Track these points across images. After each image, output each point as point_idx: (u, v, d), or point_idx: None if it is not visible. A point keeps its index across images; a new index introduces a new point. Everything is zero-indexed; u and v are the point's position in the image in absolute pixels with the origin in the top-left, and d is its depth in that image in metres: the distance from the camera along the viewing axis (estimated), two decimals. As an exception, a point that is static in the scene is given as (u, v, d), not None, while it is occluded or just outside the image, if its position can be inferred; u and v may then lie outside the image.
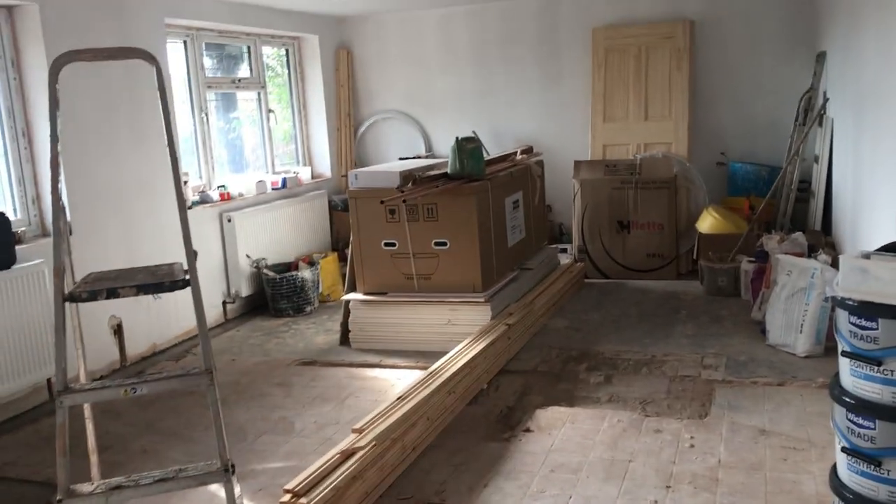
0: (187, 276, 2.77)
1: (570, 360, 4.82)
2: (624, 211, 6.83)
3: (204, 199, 6.26)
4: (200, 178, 6.50)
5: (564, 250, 7.30)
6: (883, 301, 2.03)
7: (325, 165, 8.04)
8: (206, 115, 6.52)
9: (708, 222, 6.39)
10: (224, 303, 6.37)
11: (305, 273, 6.38)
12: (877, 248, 2.31)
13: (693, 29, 7.19)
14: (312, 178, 7.82)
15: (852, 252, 2.34)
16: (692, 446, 3.55)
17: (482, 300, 5.17)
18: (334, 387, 4.69)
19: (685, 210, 6.90)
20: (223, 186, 6.52)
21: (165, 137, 2.79)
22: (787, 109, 6.82)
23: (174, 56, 6.24)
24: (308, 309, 6.40)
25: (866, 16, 4.40)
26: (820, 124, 6.21)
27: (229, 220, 6.29)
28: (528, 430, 3.85)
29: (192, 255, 2.81)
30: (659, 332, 5.27)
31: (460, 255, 5.22)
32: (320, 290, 6.58)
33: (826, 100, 6.07)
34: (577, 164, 7.10)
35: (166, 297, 4.55)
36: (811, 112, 6.40)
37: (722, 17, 7.15)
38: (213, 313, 6.20)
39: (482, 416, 4.08)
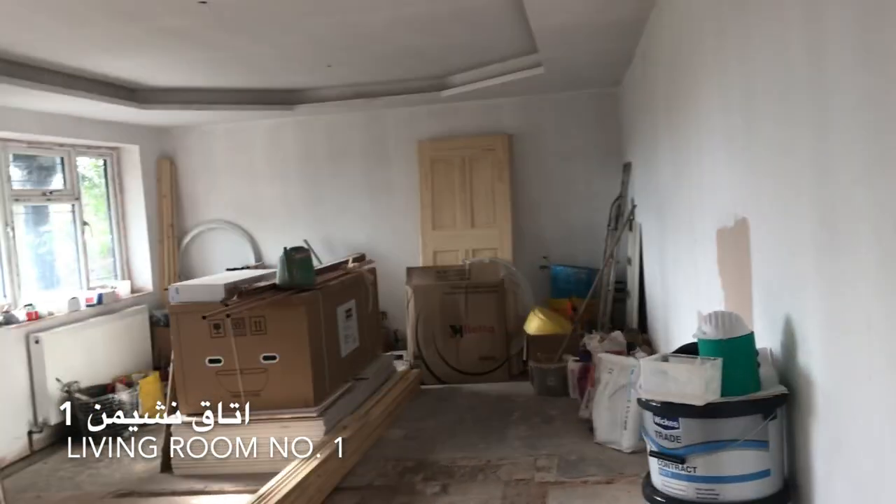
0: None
1: (407, 472, 4.72)
2: (456, 315, 6.94)
3: (8, 320, 5.78)
4: (5, 296, 6.01)
5: (400, 357, 7.28)
6: (681, 401, 2.15)
7: (145, 279, 7.67)
8: (13, 228, 6.09)
9: (535, 324, 6.61)
10: (30, 433, 5.81)
11: (123, 395, 5.96)
12: (674, 350, 2.46)
13: (511, 142, 7.64)
14: (132, 292, 7.42)
15: (653, 355, 2.48)
16: (526, 554, 3.53)
17: (314, 415, 5.00)
18: (153, 520, 4.33)
19: (513, 312, 7.12)
20: (31, 305, 6.04)
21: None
22: (601, 215, 7.31)
23: (-24, 167, 5.85)
24: (126, 434, 5.94)
25: (661, 134, 4.85)
26: (630, 229, 6.68)
27: (37, 342, 5.82)
28: (361, 552, 3.70)
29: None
30: (493, 435, 5.30)
31: (291, 368, 5.06)
32: (140, 412, 6.14)
33: (634, 206, 6.57)
34: (410, 270, 7.20)
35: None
36: (622, 217, 6.89)
37: (537, 131, 7.65)
38: (16, 445, 5.65)
39: (314, 540, 3.88)
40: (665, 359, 2.28)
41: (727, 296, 3.04)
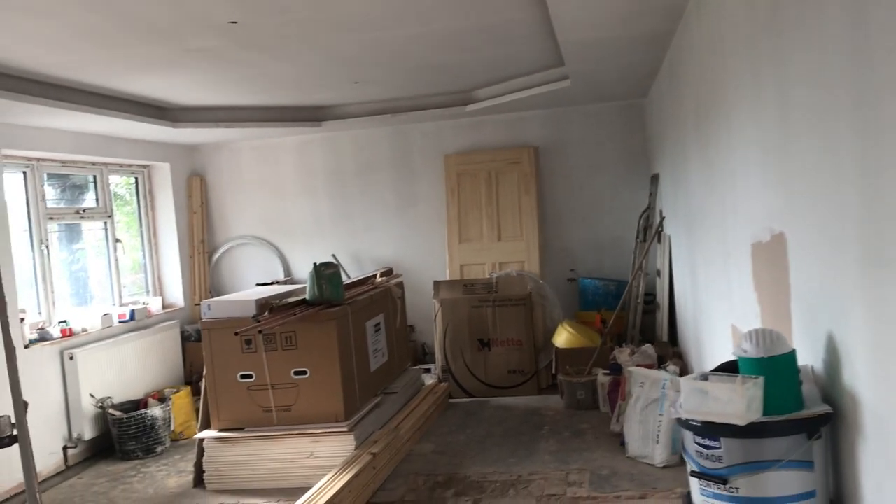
0: (15, 433, 2.53)
1: (437, 487, 4.71)
2: (484, 329, 6.94)
3: (43, 337, 5.86)
4: (40, 313, 6.09)
5: (428, 370, 7.28)
6: (723, 420, 2.13)
7: (176, 294, 7.75)
8: (47, 247, 6.18)
9: (563, 337, 6.58)
10: (65, 448, 5.88)
11: (155, 410, 6.01)
12: (713, 368, 2.44)
13: (537, 154, 7.63)
14: (163, 308, 7.50)
15: (692, 373, 2.46)
16: (561, 571, 3.51)
17: (345, 429, 5.02)
18: (187, 536, 4.35)
19: (541, 325, 7.10)
20: (65, 322, 6.12)
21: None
22: (629, 226, 7.29)
23: (12, 186, 5.94)
24: (159, 449, 5.99)
25: (690, 145, 4.82)
26: (659, 241, 6.63)
27: (71, 358, 5.89)
28: (395, 569, 3.69)
29: (21, 406, 2.58)
30: (523, 450, 5.27)
31: (321, 383, 5.09)
32: (172, 427, 6.19)
33: (662, 218, 6.53)
34: (437, 284, 7.20)
35: (-6, 449, 4.13)
36: (650, 229, 6.85)
37: (563, 144, 7.64)
38: (52, 460, 5.70)
39: (348, 557, 3.88)
40: (705, 377, 2.26)
41: (763, 311, 3.01)
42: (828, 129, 2.09)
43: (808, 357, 2.37)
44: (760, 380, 2.14)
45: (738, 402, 2.09)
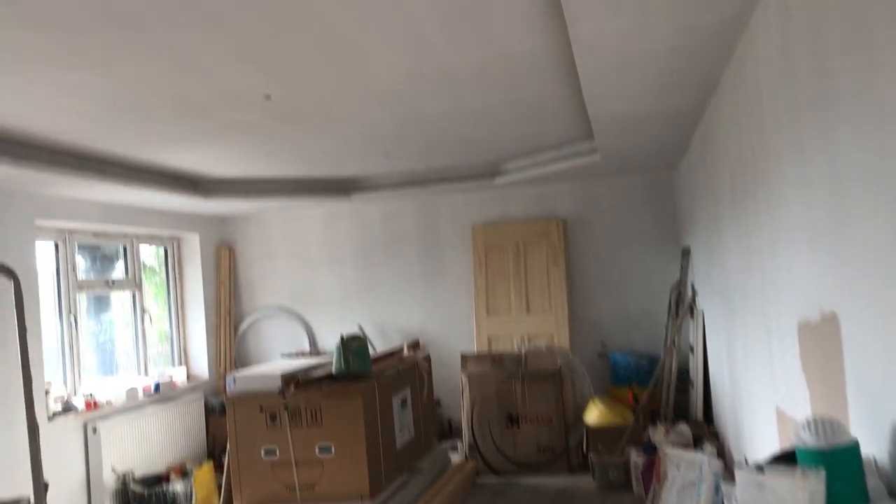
0: (34, 515, 2.44)
1: (466, 573, 4.51)
2: (513, 404, 6.76)
3: (67, 409, 5.78)
4: (65, 385, 6.04)
5: (455, 447, 7.08)
6: (782, 516, 1.99)
7: (202, 365, 7.69)
8: (76, 318, 6.17)
9: (595, 414, 6.40)
10: (84, 524, 5.74)
11: (177, 486, 5.88)
12: (769, 458, 2.30)
13: (566, 227, 7.58)
14: (188, 379, 7.43)
15: (747, 466, 2.32)
16: None
17: (371, 510, 4.85)
18: None
19: (571, 402, 6.91)
20: (90, 394, 6.06)
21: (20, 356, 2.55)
22: (659, 300, 7.15)
23: (44, 256, 5.97)
24: (179, 527, 5.84)
25: (725, 219, 4.74)
26: (692, 316, 6.49)
27: (94, 431, 5.81)
28: None
29: (41, 488, 2.49)
30: (555, 534, 5.06)
31: (346, 460, 4.94)
32: (194, 503, 6.04)
33: (695, 293, 6.40)
34: (464, 358, 7.07)
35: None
36: (682, 304, 6.71)
37: (592, 216, 7.59)
38: (69, 537, 5.57)
39: None
40: (761, 469, 2.12)
41: (813, 395, 2.87)
42: (886, 204, 2.01)
43: (870, 447, 2.23)
44: (822, 473, 2.00)
45: (800, 497, 1.95)
